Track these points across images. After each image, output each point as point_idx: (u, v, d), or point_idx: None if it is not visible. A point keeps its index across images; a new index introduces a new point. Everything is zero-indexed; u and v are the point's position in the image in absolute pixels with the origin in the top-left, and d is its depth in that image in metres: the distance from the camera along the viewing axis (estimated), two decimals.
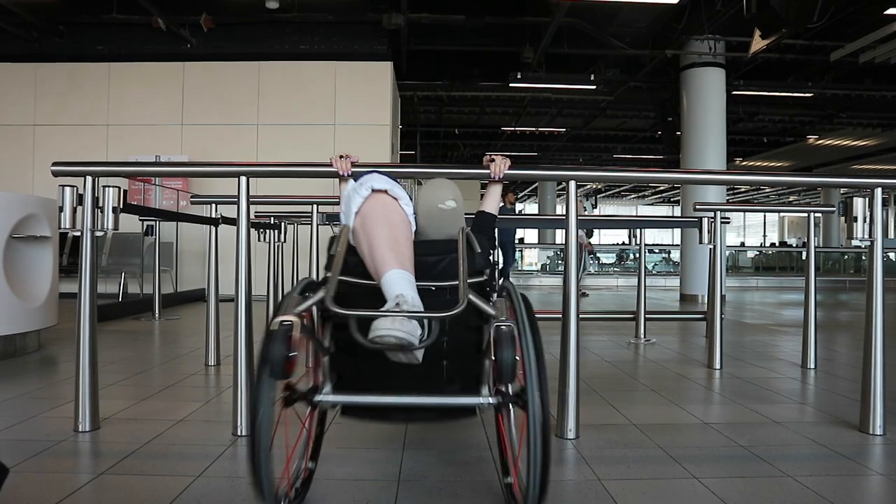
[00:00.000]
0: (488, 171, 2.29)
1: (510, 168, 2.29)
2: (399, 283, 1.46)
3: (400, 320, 1.38)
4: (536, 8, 8.59)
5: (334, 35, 9.29)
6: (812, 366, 3.74)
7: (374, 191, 1.66)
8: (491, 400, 1.52)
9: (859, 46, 8.83)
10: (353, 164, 2.19)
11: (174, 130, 9.16)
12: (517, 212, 10.66)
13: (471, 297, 1.45)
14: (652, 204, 36.30)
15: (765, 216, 36.30)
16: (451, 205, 1.79)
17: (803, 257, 13.79)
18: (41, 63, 9.10)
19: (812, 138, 16.17)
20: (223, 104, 9.12)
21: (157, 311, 6.23)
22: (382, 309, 1.42)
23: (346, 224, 1.69)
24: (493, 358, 1.35)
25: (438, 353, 1.57)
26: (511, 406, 1.54)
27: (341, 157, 2.19)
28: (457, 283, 1.51)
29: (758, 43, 6.79)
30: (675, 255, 17.14)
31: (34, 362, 3.75)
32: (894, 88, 11.39)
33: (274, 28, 9.14)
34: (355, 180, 1.78)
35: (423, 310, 1.44)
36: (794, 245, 24.32)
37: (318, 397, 1.57)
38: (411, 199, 1.78)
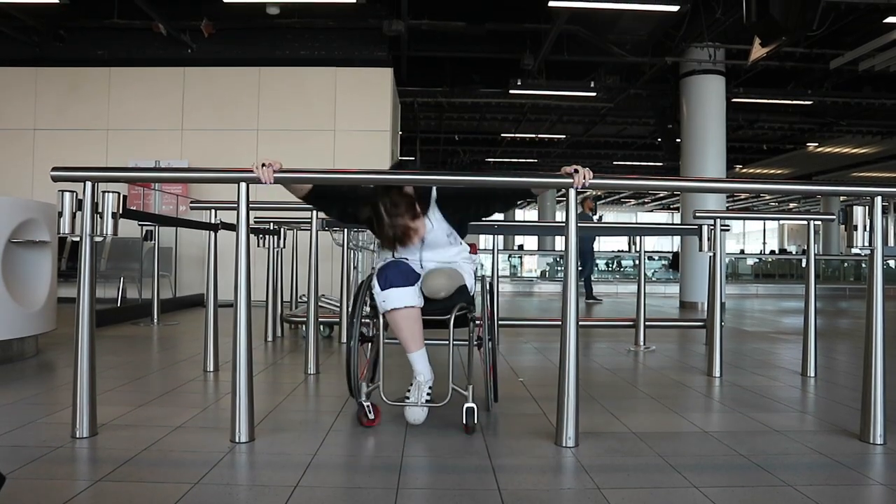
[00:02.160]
0: (569, 181, 2.34)
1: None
2: (419, 361, 2.44)
3: (420, 409, 2.42)
4: (537, 15, 8.61)
5: (334, 41, 9.32)
6: (812, 374, 3.73)
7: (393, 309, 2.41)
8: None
9: (859, 54, 8.87)
10: (277, 172, 2.27)
11: (174, 135, 9.18)
12: (597, 219, 10.60)
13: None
14: (651, 211, 36.33)
15: (764, 224, 36.33)
16: (443, 294, 2.46)
17: (803, 265, 13.81)
18: (42, 67, 9.13)
19: (812, 146, 16.20)
20: (223, 109, 9.14)
21: (155, 317, 6.22)
22: (410, 394, 2.45)
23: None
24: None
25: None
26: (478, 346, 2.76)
27: (264, 165, 2.25)
28: (450, 313, 2.47)
29: (758, 51, 6.80)
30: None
31: (32, 367, 3.74)
32: (894, 96, 11.42)
33: (274, 34, 9.17)
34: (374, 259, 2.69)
35: (432, 377, 2.48)
36: (794, 252, 24.34)
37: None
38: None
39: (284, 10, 8.43)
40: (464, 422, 2.32)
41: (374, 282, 2.42)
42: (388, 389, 2.42)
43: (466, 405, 2.32)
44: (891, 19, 7.79)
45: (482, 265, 2.89)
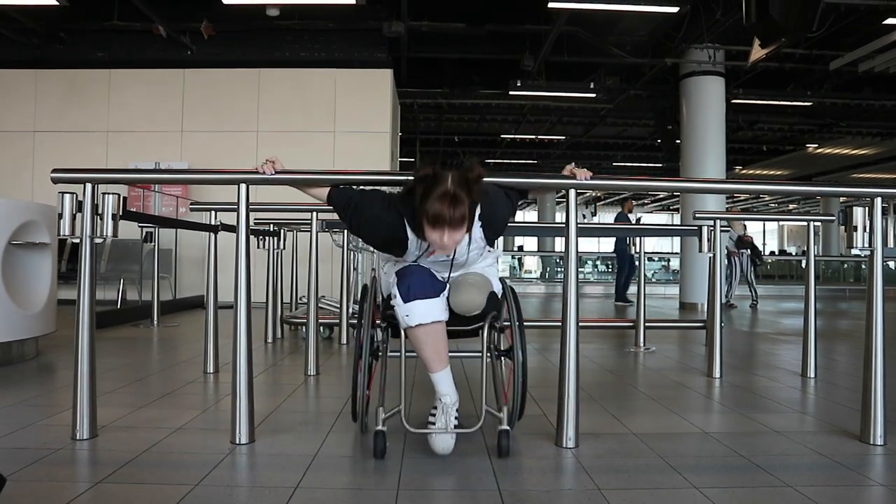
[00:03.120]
0: (572, 181, 2.34)
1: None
2: (443, 382, 2.13)
3: (449, 436, 2.09)
4: (537, 16, 8.62)
5: (334, 42, 9.32)
6: (812, 375, 3.73)
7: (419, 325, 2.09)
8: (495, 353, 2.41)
9: (858, 56, 8.87)
10: (279, 172, 2.25)
11: (174, 137, 9.18)
12: (635, 221, 10.52)
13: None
14: (651, 212, 36.34)
15: (764, 225, 36.34)
16: (475, 311, 2.17)
17: (803, 265, 13.80)
18: (41, 69, 9.13)
19: (811, 147, 16.21)
20: (223, 111, 9.14)
21: (155, 318, 6.22)
22: (435, 419, 2.11)
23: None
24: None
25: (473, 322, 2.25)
26: (504, 358, 2.43)
27: (267, 161, 2.26)
28: (479, 324, 2.21)
29: (757, 52, 6.81)
30: (675, 263, 17.16)
31: (32, 369, 3.74)
32: (893, 98, 11.43)
33: (274, 35, 9.17)
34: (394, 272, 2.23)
35: (458, 397, 2.18)
36: (794, 253, 24.34)
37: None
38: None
39: (284, 11, 8.43)
40: (497, 447, 2.08)
41: (395, 290, 2.09)
42: (406, 412, 2.15)
43: (500, 428, 2.08)
44: (890, 20, 7.79)
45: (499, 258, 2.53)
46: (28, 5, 7.93)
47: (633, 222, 9.44)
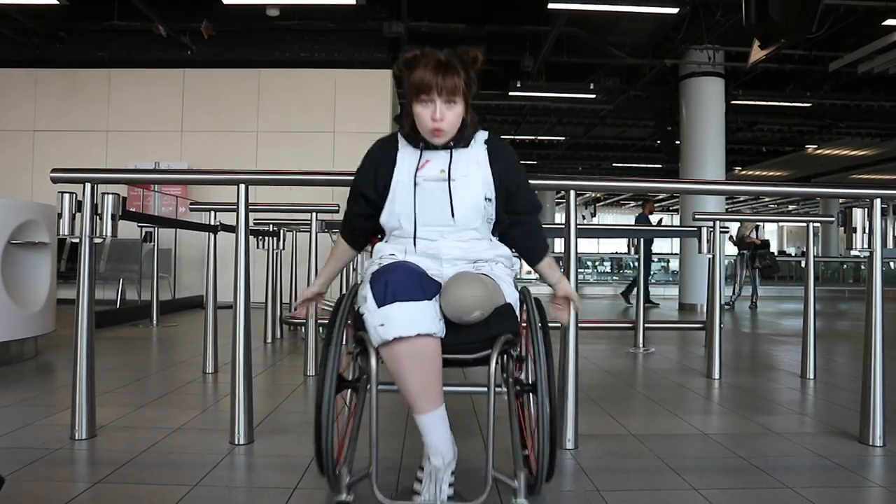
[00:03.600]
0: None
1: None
2: (434, 430, 1.50)
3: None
4: (536, 17, 8.62)
5: (334, 43, 9.32)
6: (811, 376, 3.73)
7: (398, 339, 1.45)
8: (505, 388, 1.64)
9: (858, 57, 8.88)
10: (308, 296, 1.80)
11: (174, 137, 9.18)
12: (656, 222, 10.49)
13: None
14: (651, 213, 36.33)
15: (763, 225, 36.34)
16: (477, 316, 1.51)
17: (802, 266, 13.79)
18: (41, 69, 9.13)
19: (811, 148, 16.21)
20: (223, 111, 9.14)
21: (154, 318, 6.21)
22: (422, 487, 1.51)
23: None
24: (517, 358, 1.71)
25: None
26: (525, 393, 1.77)
27: (302, 302, 1.81)
28: (488, 350, 1.56)
29: (757, 53, 6.81)
30: (674, 264, 17.15)
31: (31, 369, 3.74)
32: (893, 98, 11.43)
33: (274, 35, 9.17)
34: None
35: (455, 454, 1.55)
36: (794, 254, 24.33)
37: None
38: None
39: (284, 11, 8.43)
40: None
41: (367, 292, 1.49)
42: (384, 478, 1.70)
43: (517, 502, 1.43)
44: (890, 21, 7.80)
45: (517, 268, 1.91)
46: (29, 4, 7.93)
47: (655, 224, 9.43)
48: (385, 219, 1.68)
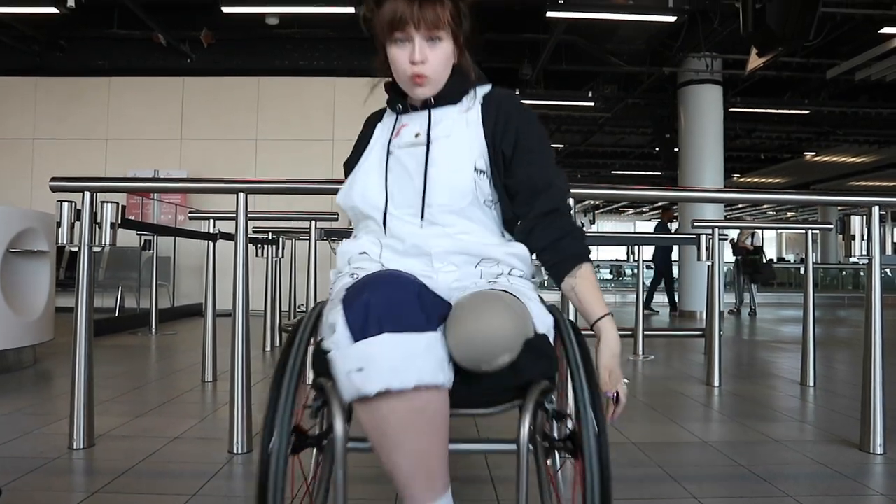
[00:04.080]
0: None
1: None
2: None
3: None
4: (535, 25, 8.66)
5: (334, 51, 9.35)
6: (811, 383, 3.72)
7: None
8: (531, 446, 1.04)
9: (855, 64, 8.92)
10: None
11: (173, 145, 9.19)
12: (674, 230, 10.42)
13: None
14: (650, 220, 36.38)
15: (762, 232, 36.37)
16: (504, 361, 1.01)
17: (802, 272, 13.80)
18: (41, 77, 9.15)
19: (809, 155, 16.26)
20: (222, 119, 9.15)
21: (153, 326, 6.20)
22: None
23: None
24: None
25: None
26: (559, 453, 1.17)
27: None
28: (515, 401, 1.08)
29: (754, 61, 6.84)
30: (674, 271, 17.15)
31: (29, 377, 3.73)
32: (890, 105, 11.48)
33: (274, 43, 9.20)
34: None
35: None
36: (793, 261, 24.35)
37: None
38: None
39: (284, 20, 8.46)
40: None
41: (336, 318, 0.98)
42: None
43: None
44: (886, 29, 7.84)
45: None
46: (29, 13, 7.96)
47: (673, 232, 9.38)
48: (341, 198, 1.29)
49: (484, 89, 1.30)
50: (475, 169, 1.20)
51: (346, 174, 1.35)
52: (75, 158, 8.85)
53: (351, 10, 7.58)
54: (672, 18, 7.89)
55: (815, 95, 11.23)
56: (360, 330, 0.95)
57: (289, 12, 8.23)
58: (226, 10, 7.53)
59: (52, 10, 7.28)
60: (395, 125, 1.29)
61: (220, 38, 8.86)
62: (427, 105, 1.25)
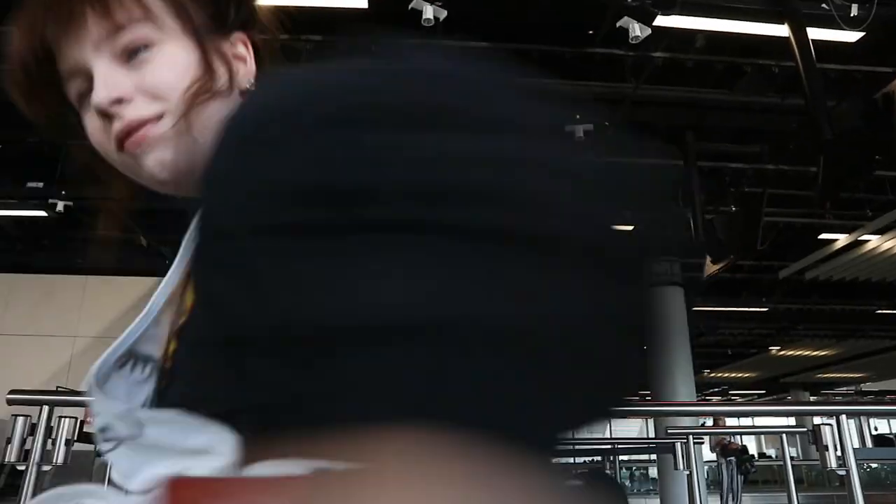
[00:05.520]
0: None
1: None
2: None
3: None
4: None
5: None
6: None
7: None
8: None
9: (803, 265, 9.46)
10: None
11: None
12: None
13: None
14: (625, 416, 35.73)
15: (741, 436, 35.73)
16: None
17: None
18: (17, 274, 9.25)
19: (774, 349, 16.61)
20: None
21: None
22: None
23: None
24: None
25: None
26: None
27: None
28: None
29: (710, 267, 7.24)
30: (653, 471, 16.45)
31: None
32: (841, 302, 11.99)
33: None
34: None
35: None
36: (774, 457, 23.69)
37: None
38: None
39: None
40: None
41: None
42: None
43: None
44: (824, 236, 8.49)
45: None
46: (18, 216, 8.20)
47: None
48: None
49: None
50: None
51: None
52: (42, 355, 8.63)
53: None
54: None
55: (770, 294, 11.73)
56: None
57: None
58: None
59: (41, 213, 7.55)
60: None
61: None
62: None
